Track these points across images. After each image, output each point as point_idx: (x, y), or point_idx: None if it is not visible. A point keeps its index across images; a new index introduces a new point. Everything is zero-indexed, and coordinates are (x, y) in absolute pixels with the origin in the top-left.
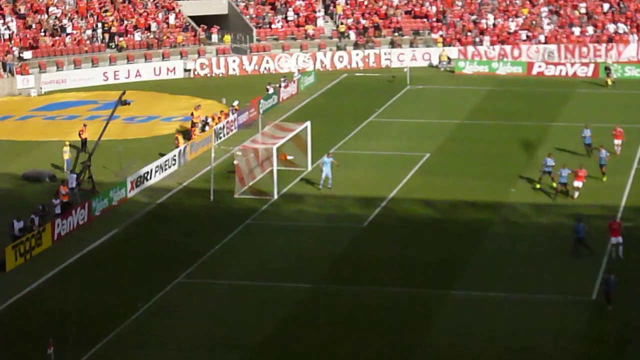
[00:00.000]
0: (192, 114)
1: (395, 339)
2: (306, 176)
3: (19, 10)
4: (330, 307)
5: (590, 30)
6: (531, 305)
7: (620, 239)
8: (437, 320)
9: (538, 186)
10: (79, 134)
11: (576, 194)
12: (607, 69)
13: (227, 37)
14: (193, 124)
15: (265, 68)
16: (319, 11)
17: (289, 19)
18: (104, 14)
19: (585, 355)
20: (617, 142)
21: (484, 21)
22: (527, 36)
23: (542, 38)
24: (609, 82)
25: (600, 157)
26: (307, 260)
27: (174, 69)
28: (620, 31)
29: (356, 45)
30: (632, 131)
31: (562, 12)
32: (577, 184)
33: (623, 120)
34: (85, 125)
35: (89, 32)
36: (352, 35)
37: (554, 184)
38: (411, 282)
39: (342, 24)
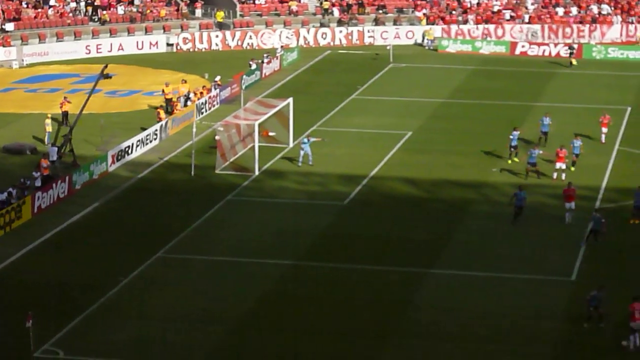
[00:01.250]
0: (162, 90)
1: (375, 316)
2: (288, 153)
3: None
4: (311, 283)
5: (574, 10)
6: (512, 285)
7: (573, 205)
8: (417, 298)
9: (510, 162)
10: (60, 107)
11: (555, 175)
12: (571, 48)
13: (220, 13)
14: (166, 100)
15: (248, 44)
16: None
17: None
18: None
19: (565, 334)
20: (604, 130)
21: (468, 0)
22: (511, 16)
23: (526, 18)
24: (573, 62)
25: (574, 146)
26: (288, 236)
27: (157, 43)
28: (604, 12)
29: (340, 22)
30: (615, 112)
31: None
32: (559, 165)
33: (606, 102)
34: (65, 98)
35: (72, 4)
36: (336, 12)
37: (515, 159)
38: (392, 260)
39: (325, 0)
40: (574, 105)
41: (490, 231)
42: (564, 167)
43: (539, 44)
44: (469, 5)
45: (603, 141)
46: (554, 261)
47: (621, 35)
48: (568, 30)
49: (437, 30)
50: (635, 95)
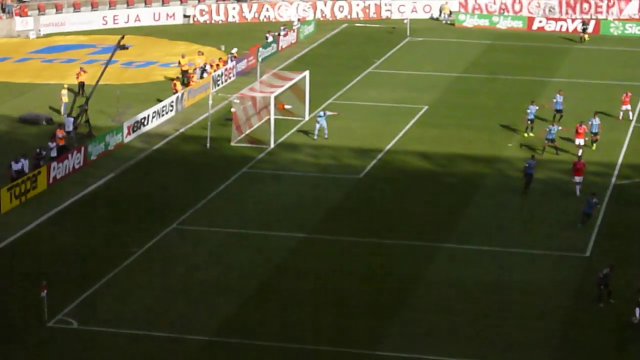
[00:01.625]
0: (179, 61)
1: (386, 289)
2: (304, 126)
3: None
4: (323, 256)
5: None
6: (524, 260)
7: (581, 179)
8: (429, 271)
9: (526, 135)
10: (76, 77)
11: (580, 152)
12: (585, 24)
13: None
14: (183, 72)
15: (265, 16)
16: None
17: None
18: None
19: (574, 310)
20: (625, 107)
21: None
22: None
23: None
24: (586, 38)
25: (592, 124)
26: (302, 209)
27: (174, 14)
28: None
29: None
30: (632, 89)
31: None
32: (578, 141)
33: (621, 78)
34: (81, 69)
35: None
36: None
37: (530, 134)
38: (404, 234)
39: None
40: (590, 81)
41: (504, 206)
42: (582, 143)
43: (556, 20)
44: None
45: (620, 118)
46: (569, 237)
47: (639, 11)
48: (586, 5)
49: (454, 4)
50: None
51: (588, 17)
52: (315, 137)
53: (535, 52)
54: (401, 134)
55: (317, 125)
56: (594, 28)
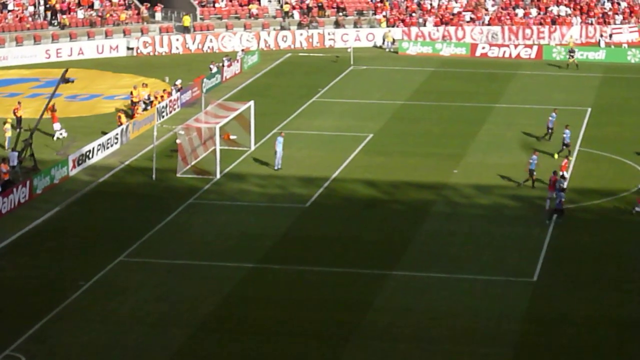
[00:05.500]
0: (131, 92)
1: (336, 317)
2: (250, 155)
3: None
4: (273, 285)
5: (534, 12)
6: (472, 286)
7: (554, 195)
8: (378, 299)
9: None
10: (14, 112)
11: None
12: (571, 51)
13: (187, 18)
14: (133, 103)
15: (208, 47)
16: None
17: None
18: None
19: (525, 335)
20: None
21: (427, 2)
22: (471, 17)
23: (486, 19)
24: (574, 64)
25: (565, 136)
26: (250, 239)
27: (117, 47)
28: (563, 13)
29: (300, 25)
30: (575, 113)
31: None
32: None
33: (565, 103)
34: (19, 103)
35: (31, 8)
36: (296, 14)
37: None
38: (353, 262)
39: (286, 3)
40: (534, 107)
41: (451, 232)
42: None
43: (499, 46)
44: (428, 7)
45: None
46: (515, 262)
47: (581, 36)
48: (528, 31)
49: (397, 32)
50: (595, 96)
51: (530, 42)
52: (277, 167)
53: (479, 78)
54: (347, 162)
55: (278, 154)
56: (537, 54)
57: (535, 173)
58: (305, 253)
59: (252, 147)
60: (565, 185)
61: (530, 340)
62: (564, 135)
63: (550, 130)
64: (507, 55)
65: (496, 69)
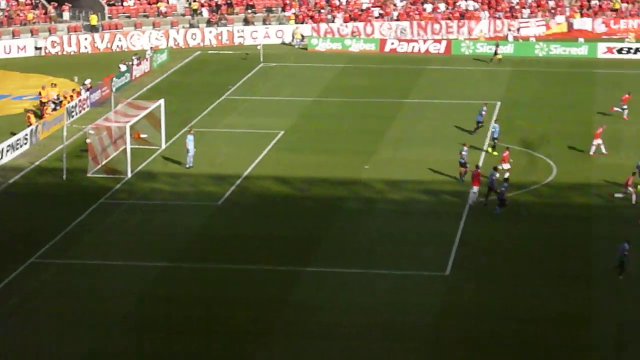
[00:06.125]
0: (40, 92)
1: (251, 316)
2: (161, 154)
3: None
4: (186, 284)
5: (442, 7)
6: (387, 281)
7: (476, 189)
8: (293, 296)
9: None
10: None
11: (506, 175)
12: (496, 46)
13: (94, 17)
14: (42, 103)
15: (117, 46)
16: None
17: None
18: None
19: (439, 328)
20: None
21: None
22: (380, 13)
23: (394, 15)
24: (499, 58)
25: (494, 130)
26: (162, 238)
27: (25, 47)
28: (471, 8)
29: (209, 23)
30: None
31: None
32: (505, 166)
33: (474, 97)
34: None
35: None
36: (205, 12)
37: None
38: (267, 259)
39: (194, 1)
40: (445, 102)
41: (364, 228)
42: (507, 167)
43: (408, 41)
44: (337, 4)
45: (592, 153)
46: (428, 256)
47: (489, 30)
48: (437, 26)
49: (306, 29)
50: (505, 89)
51: (439, 37)
52: (189, 165)
53: (388, 74)
54: (259, 159)
55: (190, 152)
56: (446, 48)
57: (468, 165)
58: (218, 251)
59: (163, 146)
60: (507, 175)
61: (444, 334)
62: (493, 130)
63: (479, 124)
64: (416, 50)
65: (405, 64)
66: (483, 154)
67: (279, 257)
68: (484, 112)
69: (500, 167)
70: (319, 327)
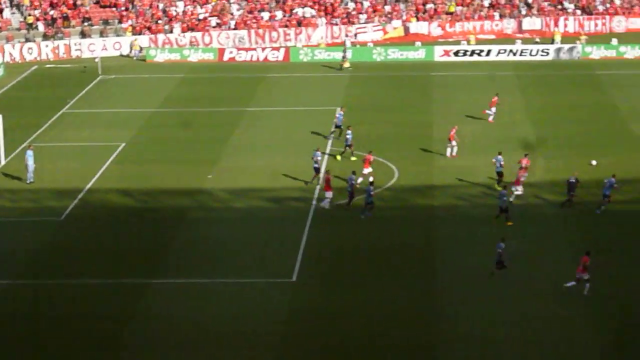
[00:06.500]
0: None
1: (99, 330)
2: (0, 170)
3: None
4: (31, 302)
5: (279, 14)
6: (234, 289)
7: (330, 194)
8: (140, 309)
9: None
10: None
11: (360, 180)
12: (344, 52)
13: None
14: None
15: None
16: (5, 3)
17: None
18: None
19: (288, 335)
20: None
21: (173, 9)
22: (217, 23)
23: (232, 24)
24: (345, 65)
25: (347, 137)
26: (4, 255)
27: None
28: (308, 15)
29: (45, 37)
30: (325, 113)
31: None
32: (367, 170)
33: (315, 103)
34: None
35: None
36: (41, 26)
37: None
38: (112, 272)
39: (29, 15)
40: (285, 109)
41: (209, 237)
42: (368, 171)
43: (246, 49)
44: (174, 14)
45: (449, 155)
46: (275, 263)
47: (326, 36)
48: (275, 34)
49: (144, 40)
50: (344, 95)
51: (277, 45)
52: (30, 181)
53: (229, 82)
54: (100, 172)
55: (30, 168)
56: (284, 56)
57: (321, 170)
58: (62, 266)
59: (3, 162)
60: (371, 179)
61: (293, 340)
62: (347, 137)
63: (337, 128)
64: (254, 58)
65: (245, 72)
66: (335, 157)
67: (124, 269)
68: (338, 116)
69: (363, 172)
70: (167, 338)
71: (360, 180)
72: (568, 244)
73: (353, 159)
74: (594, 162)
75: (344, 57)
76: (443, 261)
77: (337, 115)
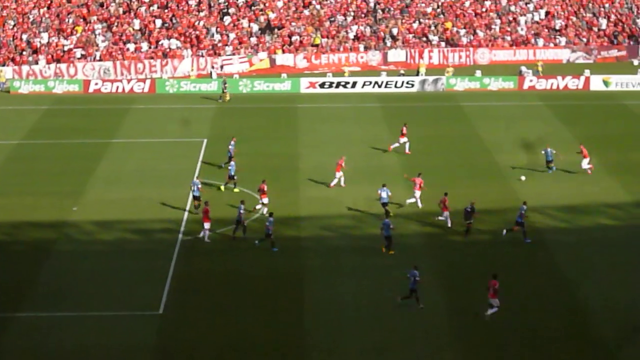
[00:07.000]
0: None
1: None
2: None
3: None
4: None
5: (144, 46)
6: (100, 323)
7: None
8: (3, 343)
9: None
10: None
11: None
12: (224, 83)
13: None
14: None
15: None
16: None
17: None
18: None
19: None
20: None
21: (37, 40)
22: (82, 54)
23: (97, 55)
24: (227, 98)
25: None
26: None
27: None
28: (174, 46)
29: None
30: (190, 144)
31: (116, 28)
32: (265, 200)
33: (180, 135)
34: None
35: None
36: None
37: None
38: None
39: None
40: (151, 140)
41: (75, 270)
42: (267, 201)
43: (112, 81)
44: (38, 46)
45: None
46: (142, 296)
47: (193, 69)
48: (140, 65)
49: (8, 71)
50: (210, 127)
51: (143, 77)
52: None
53: (94, 114)
54: None
55: None
56: (150, 87)
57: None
58: None
59: None
60: (265, 210)
61: None
62: (230, 168)
63: (230, 159)
64: (120, 90)
65: (110, 104)
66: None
67: None
68: (230, 147)
69: (263, 202)
70: None
71: (265, 210)
72: (439, 273)
73: (236, 190)
74: (522, 178)
75: (224, 89)
76: (311, 291)
77: (229, 147)
